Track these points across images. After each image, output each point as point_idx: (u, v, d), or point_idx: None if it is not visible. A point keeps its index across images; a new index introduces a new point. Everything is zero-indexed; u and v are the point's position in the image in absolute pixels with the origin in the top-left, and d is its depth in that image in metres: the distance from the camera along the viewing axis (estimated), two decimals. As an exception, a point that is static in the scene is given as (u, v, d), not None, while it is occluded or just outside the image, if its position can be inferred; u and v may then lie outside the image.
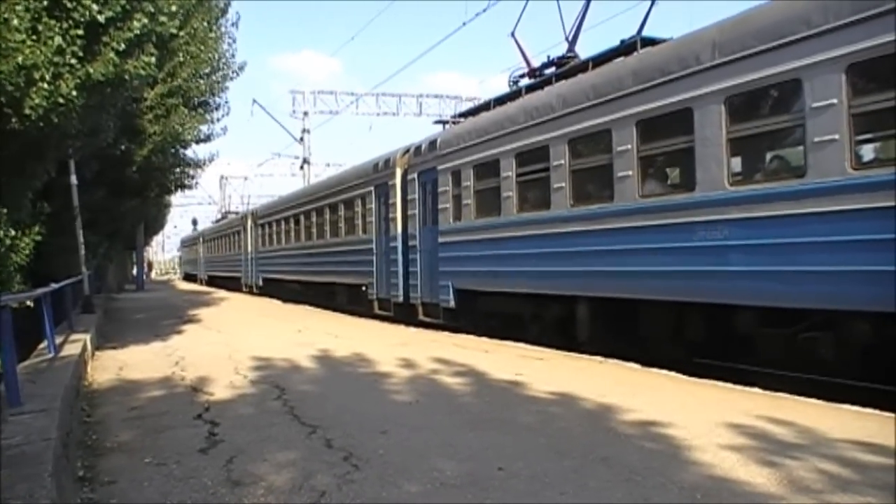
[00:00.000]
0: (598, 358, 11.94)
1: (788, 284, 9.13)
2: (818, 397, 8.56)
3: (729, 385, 9.53)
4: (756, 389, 9.18)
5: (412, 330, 17.98)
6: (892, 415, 7.65)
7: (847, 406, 8.11)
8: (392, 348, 13.75)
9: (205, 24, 19.80)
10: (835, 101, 8.54)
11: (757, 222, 9.52)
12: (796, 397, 8.62)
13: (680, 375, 10.29)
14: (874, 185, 8.13)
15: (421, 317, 18.99)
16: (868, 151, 8.93)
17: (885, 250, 7.99)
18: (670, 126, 10.97)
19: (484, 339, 15.16)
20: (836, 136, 8.52)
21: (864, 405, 8.14)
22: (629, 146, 11.57)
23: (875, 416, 7.71)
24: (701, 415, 7.71)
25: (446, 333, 16.58)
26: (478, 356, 12.44)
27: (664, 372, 10.62)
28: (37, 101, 9.51)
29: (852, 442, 6.53)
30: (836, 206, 8.53)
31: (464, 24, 37.51)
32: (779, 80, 9.30)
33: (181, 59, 18.99)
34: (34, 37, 9.40)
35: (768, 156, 10.44)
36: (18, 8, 9.22)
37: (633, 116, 11.53)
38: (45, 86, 9.52)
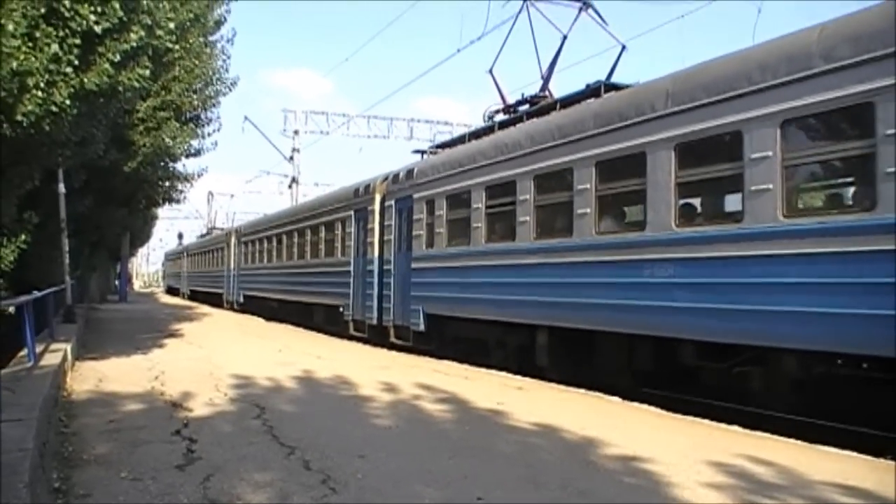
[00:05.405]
0: (580, 390, 11.95)
1: (725, 321, 9.66)
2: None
3: (709, 422, 9.54)
4: (736, 427, 9.19)
5: (393, 353, 17.94)
6: (870, 458, 7.69)
7: (826, 448, 8.14)
8: (373, 371, 13.71)
9: (200, 39, 19.80)
10: (770, 153, 9.18)
11: (699, 262, 10.15)
12: (776, 437, 8.64)
13: (661, 410, 10.29)
14: (802, 232, 8.78)
15: (392, 339, 19.33)
16: (798, 201, 9.41)
17: (811, 293, 8.62)
18: (626, 168, 11.62)
19: (465, 365, 15.14)
20: (770, 186, 9.14)
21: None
22: (588, 185, 12.22)
23: (853, 458, 7.74)
24: (681, 451, 7.71)
25: (427, 358, 16.55)
26: (458, 383, 12.42)
27: (645, 406, 10.63)
28: (30, 107, 9.50)
29: (831, 484, 6.55)
30: (768, 251, 9.15)
31: (458, 50, 37.67)
32: (723, 132, 9.97)
33: (175, 73, 18.97)
34: (30, 43, 9.39)
35: (711, 200, 11.07)
36: (15, 14, 9.22)
37: (592, 157, 12.19)
38: (39, 93, 9.52)
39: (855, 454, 7.88)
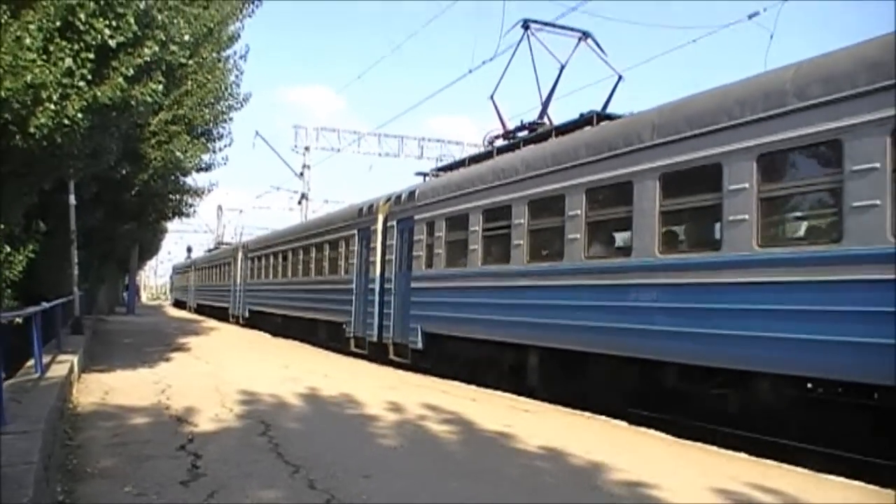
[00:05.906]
0: (586, 413, 11.91)
1: (703, 345, 10.06)
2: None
3: (714, 448, 9.50)
4: (742, 454, 9.15)
5: (399, 373, 17.89)
6: (876, 487, 7.64)
7: (830, 476, 8.10)
8: (379, 391, 13.66)
9: (214, 53, 19.83)
10: (747, 185, 9.58)
11: (680, 288, 10.58)
12: (782, 465, 8.59)
13: (667, 436, 10.25)
14: (774, 262, 9.20)
15: (391, 356, 19.64)
16: (771, 231, 9.72)
17: (782, 319, 8.97)
18: (614, 196, 12.19)
19: (472, 387, 15.10)
20: (746, 216, 9.55)
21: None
22: (579, 211, 12.69)
23: (856, 487, 7.71)
24: (687, 478, 7.67)
25: (433, 378, 16.51)
26: (465, 404, 12.36)
27: (651, 431, 10.59)
28: (42, 120, 9.52)
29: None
30: (743, 278, 9.57)
31: (470, 70, 37.57)
32: (704, 163, 10.28)
33: (188, 87, 18.98)
34: (45, 56, 9.43)
35: (693, 229, 11.44)
36: (31, 27, 9.27)
37: (583, 185, 12.71)
38: (52, 106, 9.53)
39: (858, 483, 7.84)
